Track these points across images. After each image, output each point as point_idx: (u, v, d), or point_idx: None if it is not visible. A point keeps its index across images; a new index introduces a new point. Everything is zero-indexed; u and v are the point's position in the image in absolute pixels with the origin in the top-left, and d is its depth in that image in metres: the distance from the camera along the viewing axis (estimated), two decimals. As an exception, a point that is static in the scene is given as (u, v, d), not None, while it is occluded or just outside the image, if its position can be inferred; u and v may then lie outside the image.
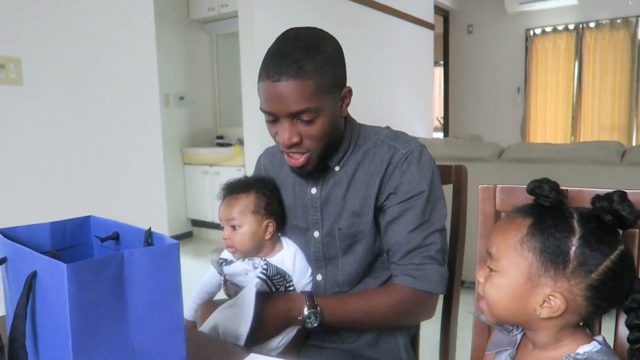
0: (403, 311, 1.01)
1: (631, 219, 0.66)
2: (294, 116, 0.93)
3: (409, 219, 0.99)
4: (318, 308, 0.97)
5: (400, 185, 1.00)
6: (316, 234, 1.08)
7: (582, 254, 0.64)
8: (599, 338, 0.68)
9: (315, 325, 0.96)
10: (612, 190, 0.68)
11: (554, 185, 0.69)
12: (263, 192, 1.10)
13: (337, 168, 1.06)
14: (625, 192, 0.67)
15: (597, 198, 0.68)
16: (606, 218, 0.66)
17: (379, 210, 1.03)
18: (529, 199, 0.73)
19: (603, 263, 0.64)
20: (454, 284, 1.13)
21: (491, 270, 0.70)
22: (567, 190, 0.70)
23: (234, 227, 1.08)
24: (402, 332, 1.10)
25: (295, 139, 0.95)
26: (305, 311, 0.97)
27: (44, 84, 2.19)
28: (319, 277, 1.09)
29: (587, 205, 0.70)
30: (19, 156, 2.13)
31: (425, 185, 0.99)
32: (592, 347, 0.66)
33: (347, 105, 1.02)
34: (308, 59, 0.90)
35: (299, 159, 0.99)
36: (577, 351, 0.66)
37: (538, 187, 0.70)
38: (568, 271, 0.64)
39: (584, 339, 0.68)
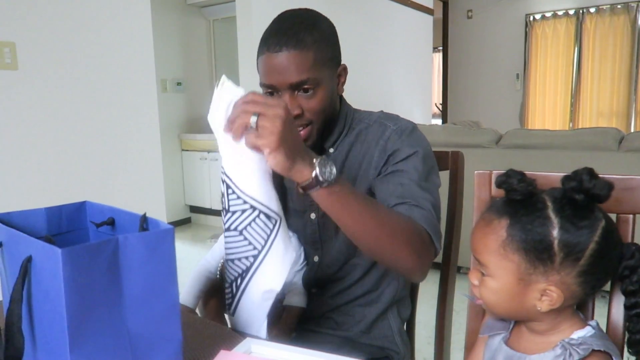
0: (408, 230, 0.88)
1: (605, 194, 0.64)
2: (295, 88, 0.94)
3: (403, 175, 0.97)
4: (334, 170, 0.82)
5: (395, 152, 1.00)
6: (312, 215, 1.08)
7: (566, 245, 0.63)
8: (593, 322, 0.69)
9: (331, 178, 0.79)
10: (610, 181, 0.65)
11: (522, 177, 0.67)
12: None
13: (331, 150, 1.07)
14: (592, 169, 0.65)
15: (566, 179, 0.65)
16: (578, 197, 0.64)
17: (373, 179, 1.03)
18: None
19: (588, 247, 0.63)
20: (449, 269, 1.14)
21: (483, 274, 0.70)
22: (534, 179, 0.67)
23: None
24: (395, 317, 1.12)
25: (297, 111, 0.96)
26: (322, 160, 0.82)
27: (39, 69, 2.18)
28: (316, 258, 1.10)
29: None
30: (14, 141, 2.12)
31: (419, 148, 0.99)
32: (586, 332, 0.67)
33: (343, 83, 1.05)
34: (307, 33, 0.94)
35: (301, 131, 1.00)
36: (572, 336, 0.66)
37: (505, 182, 0.67)
38: (556, 264, 0.64)
39: (579, 324, 0.69)
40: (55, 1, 2.21)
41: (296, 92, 0.95)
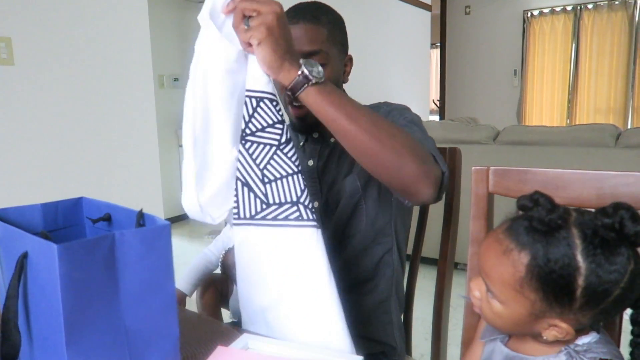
0: (407, 136, 0.83)
1: None
2: (307, 57, 0.94)
3: (395, 118, 1.00)
4: (321, 69, 0.79)
5: (386, 113, 1.04)
6: (315, 204, 1.10)
7: (590, 293, 0.57)
8: (598, 329, 0.67)
9: (320, 76, 0.77)
10: (607, 178, 0.60)
11: (552, 207, 0.59)
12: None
13: (332, 139, 1.09)
14: (634, 210, 0.57)
15: (602, 214, 0.58)
16: (610, 236, 0.57)
17: None
18: (521, 182, 0.71)
19: (613, 293, 0.57)
20: (446, 265, 1.14)
21: (490, 296, 0.65)
22: (564, 209, 0.60)
23: None
24: (396, 310, 1.12)
25: None
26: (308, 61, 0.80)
27: (35, 64, 2.17)
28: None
29: (579, 190, 0.66)
30: (10, 137, 2.11)
31: (411, 114, 1.03)
32: (591, 338, 0.64)
33: (349, 73, 1.10)
34: (322, 13, 1.01)
35: (303, 109, 0.98)
36: (577, 342, 0.64)
37: (531, 209, 0.60)
38: (575, 308, 0.59)
39: (586, 330, 0.66)
40: (51, -4, 2.20)
41: None
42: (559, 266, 0.57)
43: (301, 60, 0.77)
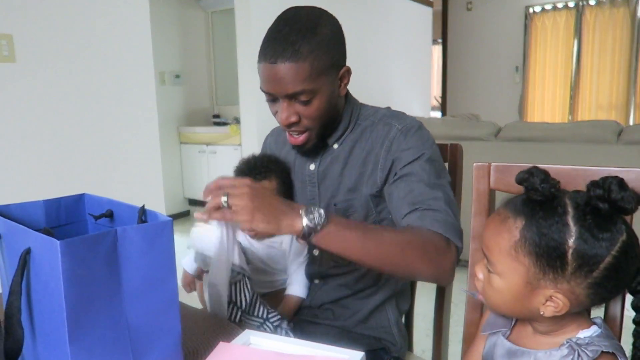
0: (417, 244, 0.87)
1: (631, 208, 0.60)
2: (291, 97, 0.95)
3: (412, 178, 0.97)
4: (322, 212, 0.83)
5: (401, 154, 0.99)
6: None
7: (581, 256, 0.60)
8: (598, 320, 0.68)
9: (322, 220, 0.81)
10: (608, 174, 0.62)
11: (545, 177, 0.63)
12: (281, 176, 1.12)
13: (335, 146, 1.07)
14: (622, 180, 0.61)
15: (593, 185, 0.61)
16: (603, 207, 0.60)
17: (381, 184, 1.02)
18: None
19: (604, 260, 0.60)
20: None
21: (489, 270, 0.68)
22: (559, 182, 0.64)
23: None
24: (393, 308, 1.12)
25: (293, 119, 0.97)
26: (307, 208, 0.83)
27: (37, 61, 2.17)
28: (316, 252, 1.11)
29: (581, 186, 0.65)
30: (12, 134, 2.12)
31: (425, 149, 0.99)
32: (592, 331, 0.65)
33: (346, 84, 1.03)
34: (304, 42, 0.91)
35: (298, 138, 1.02)
36: (578, 335, 0.65)
37: (527, 180, 0.64)
38: (567, 273, 0.61)
39: (584, 322, 0.67)
40: (52, -7, 2.19)
41: (293, 100, 0.95)
42: (550, 229, 0.61)
43: (300, 212, 0.81)
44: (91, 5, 2.34)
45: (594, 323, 0.67)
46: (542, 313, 0.64)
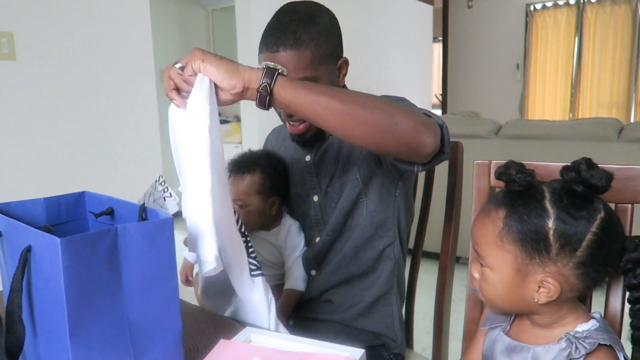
0: (394, 102, 0.83)
1: (603, 185, 0.63)
2: None
3: None
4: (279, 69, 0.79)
5: None
6: (315, 198, 1.12)
7: (561, 235, 0.62)
8: (596, 315, 0.68)
9: (275, 74, 0.76)
10: (609, 171, 0.64)
11: (520, 168, 0.66)
12: (267, 171, 1.14)
13: (328, 134, 1.10)
14: (591, 159, 0.64)
15: (565, 169, 0.65)
16: (578, 188, 0.63)
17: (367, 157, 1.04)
18: None
19: (585, 237, 0.62)
20: (448, 259, 1.14)
21: (482, 265, 0.69)
22: (533, 170, 0.67)
23: (240, 206, 1.12)
24: (397, 303, 1.13)
25: None
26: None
27: (37, 59, 2.17)
28: (317, 239, 1.12)
29: None
30: (12, 132, 2.12)
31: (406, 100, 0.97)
32: (590, 325, 0.66)
33: (344, 75, 1.06)
34: (304, 30, 0.94)
35: (298, 127, 1.04)
36: (576, 329, 0.66)
37: (504, 173, 0.67)
38: (552, 255, 0.63)
39: (583, 316, 0.68)
40: (52, -10, 2.19)
41: None
42: (530, 214, 0.64)
43: (263, 66, 0.78)
44: (92, 3, 2.34)
45: (593, 318, 0.68)
46: (536, 300, 0.66)
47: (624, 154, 2.48)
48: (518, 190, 0.66)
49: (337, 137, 0.84)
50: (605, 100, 6.11)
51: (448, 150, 0.88)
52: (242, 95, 0.77)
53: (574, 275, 0.63)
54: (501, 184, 0.80)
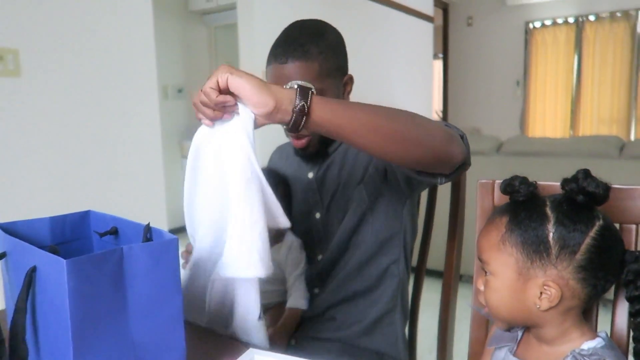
0: (424, 116, 0.82)
1: (601, 193, 0.66)
2: None
3: None
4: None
5: None
6: (317, 215, 1.12)
7: (560, 237, 0.65)
8: (602, 334, 0.68)
9: (308, 93, 0.73)
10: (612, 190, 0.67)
11: (523, 180, 0.71)
12: None
13: (330, 150, 1.11)
14: (588, 170, 0.68)
15: (565, 181, 0.69)
16: (578, 198, 0.66)
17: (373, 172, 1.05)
18: None
19: (584, 241, 0.64)
20: (452, 277, 1.14)
21: (486, 274, 0.71)
22: (536, 182, 0.71)
23: None
24: (401, 322, 1.12)
25: None
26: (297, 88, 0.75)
27: (42, 76, 2.19)
28: (320, 257, 1.11)
29: None
30: (17, 149, 2.13)
31: None
32: (596, 342, 0.66)
33: (349, 92, 1.08)
34: (312, 44, 0.96)
35: (301, 140, 1.05)
36: (582, 347, 0.66)
37: (509, 185, 0.71)
38: (553, 257, 0.65)
39: (588, 334, 0.68)
40: (58, 8, 2.22)
41: None
42: (531, 218, 0.67)
43: (284, 86, 0.74)
44: (96, 20, 2.37)
45: (599, 336, 0.68)
46: (538, 307, 0.66)
47: (625, 171, 2.48)
48: (522, 201, 0.70)
49: (370, 153, 0.80)
50: (605, 117, 6.13)
51: (469, 161, 0.88)
52: (271, 116, 0.72)
53: (574, 279, 0.65)
54: (505, 199, 0.81)
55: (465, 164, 0.88)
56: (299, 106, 0.71)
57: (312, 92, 0.73)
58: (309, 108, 0.71)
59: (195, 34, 4.71)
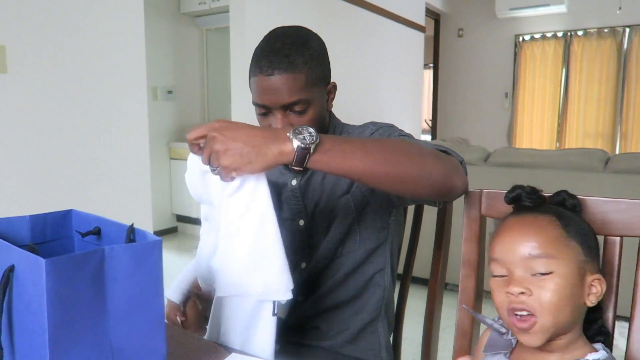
0: (423, 146, 0.84)
1: (571, 204, 0.74)
2: (287, 107, 0.97)
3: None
4: (312, 130, 0.76)
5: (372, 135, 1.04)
6: (301, 222, 1.10)
7: (594, 237, 0.71)
8: (598, 346, 0.68)
9: (314, 139, 0.74)
10: (596, 204, 0.74)
11: (531, 188, 0.74)
12: None
13: None
14: (570, 193, 0.75)
15: (554, 201, 0.75)
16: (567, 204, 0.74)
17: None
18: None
19: (594, 237, 0.71)
20: (437, 286, 1.14)
21: (541, 275, 0.65)
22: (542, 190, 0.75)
23: None
24: (385, 331, 1.11)
25: None
26: (293, 129, 0.76)
27: (28, 73, 2.16)
28: (303, 265, 1.10)
29: None
30: (0, 146, 2.09)
31: (395, 127, 1.04)
32: (600, 355, 0.66)
33: (332, 99, 1.08)
34: (298, 54, 0.95)
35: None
36: (587, 357, 0.66)
37: (516, 190, 0.74)
38: (593, 251, 0.69)
39: (588, 345, 0.68)
40: (46, 5, 2.20)
41: (288, 111, 0.98)
42: (572, 217, 0.71)
43: (288, 134, 0.74)
44: (86, 19, 2.35)
45: (603, 350, 0.68)
46: (589, 304, 0.67)
47: (610, 184, 2.51)
48: (531, 207, 0.72)
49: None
50: (591, 131, 6.22)
51: (468, 187, 0.90)
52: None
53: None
54: (492, 212, 0.82)
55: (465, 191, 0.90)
56: (296, 164, 0.74)
57: (309, 153, 0.74)
58: (305, 165, 0.74)
59: (187, 36, 4.69)
